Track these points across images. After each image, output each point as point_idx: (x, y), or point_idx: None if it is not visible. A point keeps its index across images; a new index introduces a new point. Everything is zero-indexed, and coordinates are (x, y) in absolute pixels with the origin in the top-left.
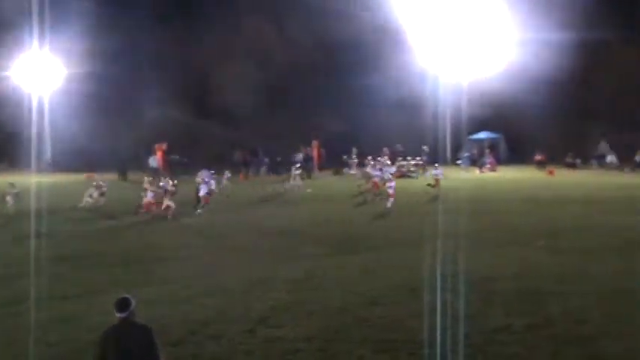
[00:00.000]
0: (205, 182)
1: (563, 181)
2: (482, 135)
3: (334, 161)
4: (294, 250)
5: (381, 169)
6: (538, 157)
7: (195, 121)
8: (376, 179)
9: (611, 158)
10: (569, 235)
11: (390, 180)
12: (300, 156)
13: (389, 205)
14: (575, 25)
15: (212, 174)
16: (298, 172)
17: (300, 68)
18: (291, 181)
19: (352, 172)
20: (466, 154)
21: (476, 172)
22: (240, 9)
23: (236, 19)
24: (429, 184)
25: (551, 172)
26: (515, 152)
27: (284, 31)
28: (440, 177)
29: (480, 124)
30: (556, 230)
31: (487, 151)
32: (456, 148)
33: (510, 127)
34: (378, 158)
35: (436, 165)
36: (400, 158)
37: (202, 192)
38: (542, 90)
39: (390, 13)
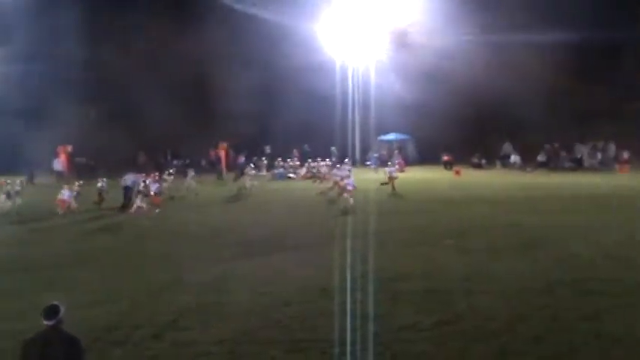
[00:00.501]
0: (130, 184)
1: (470, 181)
2: (390, 136)
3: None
4: (205, 253)
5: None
6: (445, 158)
7: (104, 122)
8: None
9: (514, 158)
10: (477, 234)
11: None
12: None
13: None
14: (483, 26)
15: (140, 176)
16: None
17: (210, 68)
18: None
19: (262, 173)
20: (375, 155)
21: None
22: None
23: (143, 18)
24: (382, 183)
25: (457, 173)
26: (423, 153)
27: (192, 32)
28: (394, 174)
29: (388, 125)
30: (464, 230)
31: (396, 151)
32: (365, 149)
33: (418, 128)
34: (288, 159)
35: (346, 162)
36: (309, 159)
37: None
38: (448, 91)
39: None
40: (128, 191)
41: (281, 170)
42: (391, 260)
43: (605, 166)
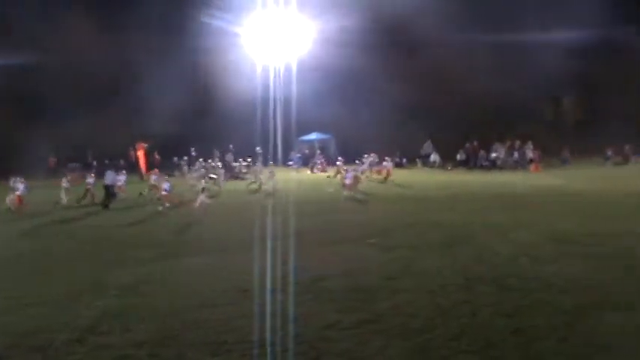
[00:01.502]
0: (110, 182)
1: (391, 180)
2: (313, 136)
3: (168, 165)
4: (123, 256)
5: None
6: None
7: (17, 123)
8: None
9: (434, 157)
10: (399, 232)
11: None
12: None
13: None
14: (403, 25)
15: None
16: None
17: (130, 69)
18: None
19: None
20: (297, 155)
21: (307, 173)
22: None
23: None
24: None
25: (379, 172)
26: (345, 152)
27: (111, 29)
28: (389, 167)
29: (310, 125)
30: (386, 228)
31: (318, 151)
32: (287, 149)
33: (340, 128)
34: (209, 160)
35: (270, 163)
36: (231, 160)
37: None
38: (370, 90)
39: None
40: (109, 189)
41: (202, 171)
42: (314, 260)
43: (520, 165)
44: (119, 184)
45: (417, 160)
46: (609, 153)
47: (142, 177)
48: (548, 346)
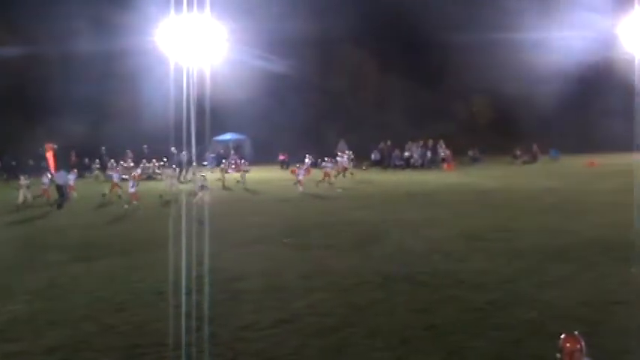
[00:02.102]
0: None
1: (305, 180)
2: (227, 136)
3: (79, 165)
4: (35, 258)
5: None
6: (281, 157)
7: None
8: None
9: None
10: (314, 231)
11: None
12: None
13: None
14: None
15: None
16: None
17: (39, 70)
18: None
19: (97, 175)
20: (212, 155)
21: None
22: None
23: None
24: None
25: (293, 172)
26: (260, 152)
27: (17, 29)
28: (328, 169)
29: (225, 126)
30: (302, 227)
31: (232, 151)
32: (202, 150)
33: (254, 128)
34: (121, 162)
35: (193, 164)
36: (145, 160)
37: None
38: (284, 90)
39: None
40: (61, 188)
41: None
42: (230, 260)
43: (433, 163)
44: (70, 183)
45: (333, 160)
46: (518, 152)
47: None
48: (461, 341)
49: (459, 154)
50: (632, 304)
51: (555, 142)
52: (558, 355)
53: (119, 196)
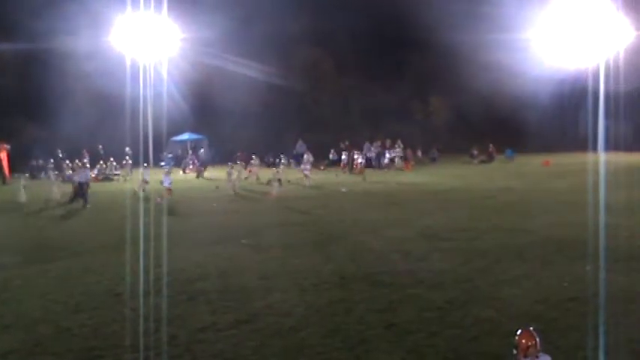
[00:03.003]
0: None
1: (264, 180)
2: (185, 136)
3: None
4: None
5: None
6: (239, 156)
7: None
8: None
9: (307, 157)
10: (273, 232)
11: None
12: None
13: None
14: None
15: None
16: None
17: None
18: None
19: (50, 177)
20: (169, 156)
21: (180, 174)
22: None
23: None
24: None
25: (250, 172)
26: (218, 153)
27: None
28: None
29: (182, 126)
30: (260, 228)
31: (190, 152)
32: (159, 150)
33: (213, 128)
34: (76, 161)
35: (145, 165)
36: (101, 161)
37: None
38: (243, 90)
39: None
40: (83, 186)
41: (71, 173)
42: (188, 261)
43: (392, 163)
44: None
45: (290, 160)
46: (475, 152)
47: (4, 180)
48: (419, 339)
49: (416, 153)
50: (587, 301)
51: (511, 142)
52: (514, 351)
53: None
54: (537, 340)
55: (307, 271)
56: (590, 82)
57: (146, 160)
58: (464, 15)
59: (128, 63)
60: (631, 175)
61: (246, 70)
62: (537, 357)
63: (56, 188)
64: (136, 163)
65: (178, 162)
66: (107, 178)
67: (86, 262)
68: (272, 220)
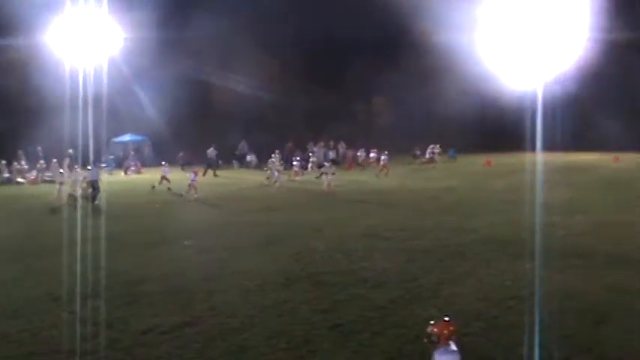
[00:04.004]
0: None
1: (207, 181)
2: (126, 137)
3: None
4: None
5: None
6: (181, 157)
7: None
8: None
9: (250, 157)
10: (216, 233)
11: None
12: None
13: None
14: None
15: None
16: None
17: None
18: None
19: None
20: (110, 157)
21: (121, 175)
22: None
23: None
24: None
25: (195, 173)
26: (160, 154)
27: None
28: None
29: (124, 126)
30: (204, 229)
31: (132, 153)
32: (100, 151)
33: (155, 129)
34: (14, 163)
35: (89, 168)
36: (42, 161)
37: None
38: (183, 90)
39: None
40: (95, 183)
41: (7, 175)
42: (130, 263)
43: (334, 164)
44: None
45: (234, 160)
46: (417, 152)
47: None
48: (363, 339)
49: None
50: (527, 299)
51: (453, 142)
52: (425, 340)
53: None
54: (452, 329)
55: (251, 272)
56: (530, 83)
57: (87, 162)
58: (407, 16)
59: (67, 63)
60: (567, 175)
61: (188, 71)
62: (449, 345)
63: None
64: (74, 165)
65: (120, 163)
66: (47, 180)
67: (25, 266)
68: (215, 221)
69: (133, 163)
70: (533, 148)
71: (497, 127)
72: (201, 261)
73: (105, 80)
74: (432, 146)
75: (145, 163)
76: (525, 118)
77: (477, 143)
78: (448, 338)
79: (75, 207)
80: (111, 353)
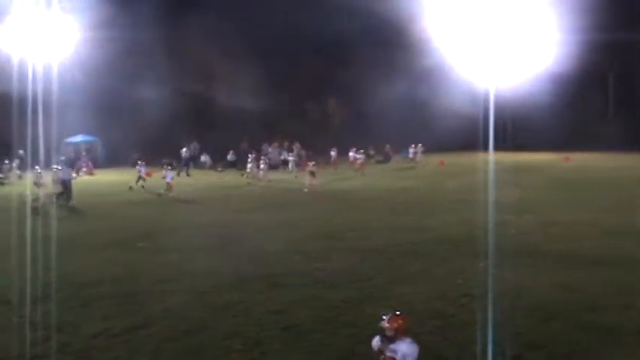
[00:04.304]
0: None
1: (162, 183)
2: (78, 138)
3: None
4: None
5: None
6: (135, 158)
7: None
8: None
9: (204, 158)
10: (170, 234)
11: None
12: None
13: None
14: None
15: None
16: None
17: None
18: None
19: None
20: (62, 158)
21: (72, 176)
22: None
23: None
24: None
25: (148, 175)
26: (113, 154)
27: None
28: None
29: (75, 127)
30: (156, 230)
31: (84, 154)
32: (51, 152)
33: (106, 129)
34: None
35: (37, 168)
36: None
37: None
38: (135, 90)
39: None
40: (66, 183)
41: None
42: (82, 265)
43: (289, 164)
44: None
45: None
46: (372, 151)
47: None
48: (317, 339)
49: (314, 154)
50: (481, 297)
51: (407, 142)
52: (378, 337)
53: None
54: (401, 322)
55: (205, 273)
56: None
57: (37, 163)
58: (359, 15)
59: (17, 61)
60: (518, 175)
61: (141, 71)
62: (403, 340)
63: None
64: (25, 166)
65: (71, 164)
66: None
67: None
68: (169, 223)
69: (84, 164)
70: (485, 148)
71: (450, 127)
72: (155, 262)
73: (55, 80)
74: (413, 146)
75: (97, 164)
76: (478, 118)
77: (431, 142)
78: (404, 332)
79: (36, 209)
80: (61, 357)
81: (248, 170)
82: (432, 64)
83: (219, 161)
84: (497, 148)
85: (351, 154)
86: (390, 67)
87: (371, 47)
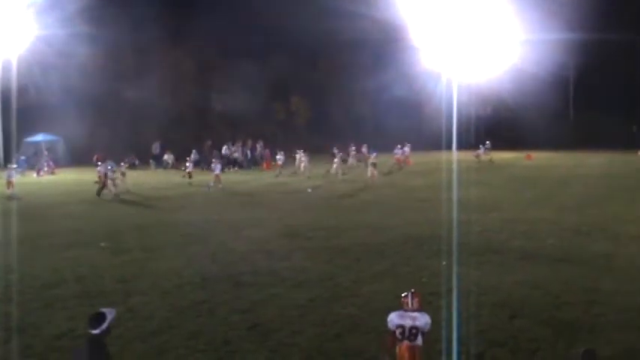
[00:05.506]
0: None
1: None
2: (39, 137)
3: None
4: None
5: None
6: (96, 159)
7: None
8: None
9: (168, 157)
10: (132, 234)
11: None
12: None
13: None
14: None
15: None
16: None
17: None
18: None
19: None
20: (22, 158)
21: (33, 176)
22: None
23: None
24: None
25: (122, 174)
26: (75, 154)
27: None
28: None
29: (36, 126)
30: (118, 230)
31: (45, 153)
32: (10, 151)
33: (68, 128)
34: None
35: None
36: None
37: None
38: (96, 89)
39: None
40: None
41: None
42: (43, 266)
43: (253, 163)
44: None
45: (150, 160)
46: (336, 150)
47: None
48: (283, 338)
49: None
50: (445, 295)
51: (371, 141)
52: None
53: None
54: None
55: (168, 272)
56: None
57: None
58: (325, 15)
59: None
60: (482, 173)
61: (104, 70)
62: (421, 312)
63: None
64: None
65: (32, 164)
66: None
67: None
68: (132, 222)
69: (45, 164)
70: (449, 147)
71: (415, 126)
72: (117, 262)
73: (15, 78)
74: (399, 146)
75: (59, 164)
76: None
77: (395, 141)
78: (420, 305)
79: None
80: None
81: (188, 170)
82: (397, 63)
83: (182, 161)
84: (461, 147)
85: (396, 150)
86: (355, 67)
87: (335, 47)
